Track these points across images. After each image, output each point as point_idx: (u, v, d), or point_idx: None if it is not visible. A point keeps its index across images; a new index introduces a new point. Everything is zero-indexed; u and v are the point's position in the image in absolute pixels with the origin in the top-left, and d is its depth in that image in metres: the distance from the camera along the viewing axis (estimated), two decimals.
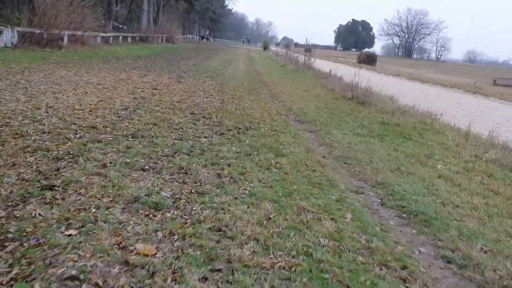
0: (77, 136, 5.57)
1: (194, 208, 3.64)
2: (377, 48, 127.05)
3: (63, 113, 6.74)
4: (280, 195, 4.14)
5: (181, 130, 6.57)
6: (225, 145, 5.90)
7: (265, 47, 63.76)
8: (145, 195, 3.81)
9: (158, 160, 4.92)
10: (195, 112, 8.10)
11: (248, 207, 3.76)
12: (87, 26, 23.09)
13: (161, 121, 6.96)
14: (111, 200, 3.62)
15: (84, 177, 4.06)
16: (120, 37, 31.24)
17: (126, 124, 6.53)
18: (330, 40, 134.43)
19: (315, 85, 15.51)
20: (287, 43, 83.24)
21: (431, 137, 7.54)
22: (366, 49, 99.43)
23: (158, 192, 3.92)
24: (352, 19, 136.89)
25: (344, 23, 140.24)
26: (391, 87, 17.18)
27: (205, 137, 6.26)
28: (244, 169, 4.87)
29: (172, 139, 5.96)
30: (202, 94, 10.54)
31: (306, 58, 23.82)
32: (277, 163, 5.25)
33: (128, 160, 4.74)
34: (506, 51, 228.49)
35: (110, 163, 4.60)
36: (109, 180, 4.07)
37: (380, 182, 4.89)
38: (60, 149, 4.90)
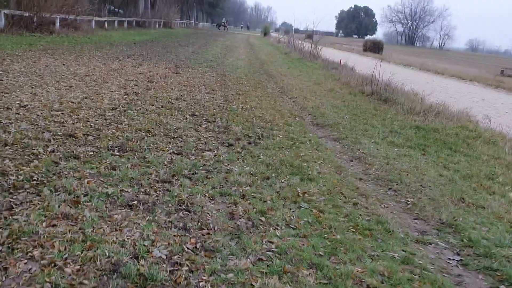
0: (49, 149, 4.36)
1: (201, 285, 2.44)
2: (379, 35, 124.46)
3: (37, 115, 5.54)
4: (321, 252, 2.93)
5: (180, 139, 5.35)
6: (235, 162, 4.69)
7: (265, 33, 61.98)
8: (130, 257, 2.62)
9: (151, 189, 3.72)
10: (196, 113, 6.86)
11: (279, 279, 2.57)
12: (81, 9, 21.60)
13: (156, 126, 5.75)
14: (78, 270, 2.44)
15: (44, 224, 2.87)
16: (116, 22, 29.64)
17: (113, 130, 5.32)
18: (330, 26, 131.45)
19: (326, 77, 14.21)
20: (286, 28, 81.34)
21: (482, 149, 6.26)
22: (370, 36, 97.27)
23: (148, 250, 2.73)
24: (354, 5, 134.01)
25: (345, 8, 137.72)
26: (407, 79, 15.83)
27: (209, 150, 5.05)
28: (264, 203, 3.67)
29: (170, 153, 4.75)
30: (203, 89, 9.28)
31: (313, 46, 22.34)
32: (305, 192, 4.02)
33: (110, 190, 3.54)
34: (507, 40, 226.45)
35: (85, 195, 3.41)
36: (79, 229, 2.87)
37: (446, 223, 3.66)
38: (21, 172, 3.70)
